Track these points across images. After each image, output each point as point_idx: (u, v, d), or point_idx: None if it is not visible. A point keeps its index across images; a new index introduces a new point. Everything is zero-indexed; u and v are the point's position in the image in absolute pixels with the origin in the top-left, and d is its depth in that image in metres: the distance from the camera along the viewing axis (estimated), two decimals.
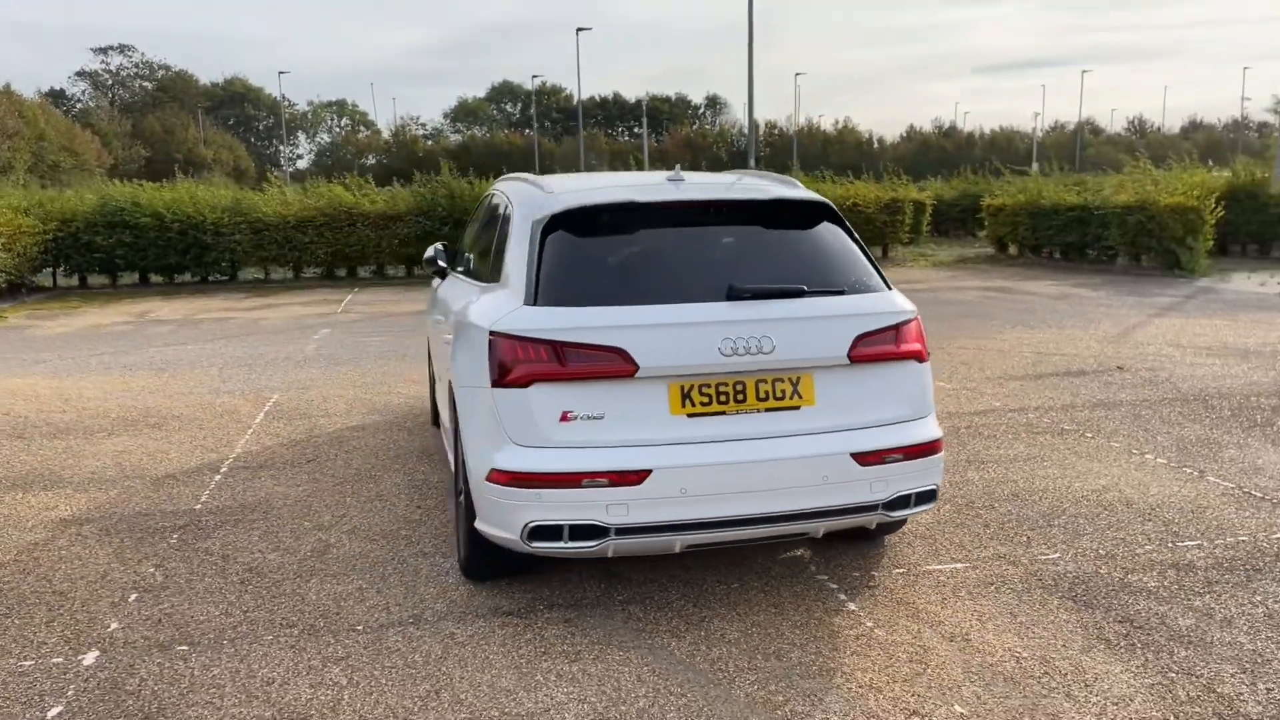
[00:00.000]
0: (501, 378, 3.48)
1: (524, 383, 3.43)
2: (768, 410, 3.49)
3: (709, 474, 3.37)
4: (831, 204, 3.98)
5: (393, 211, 18.37)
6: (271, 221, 17.60)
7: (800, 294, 3.59)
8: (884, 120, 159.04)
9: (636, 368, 3.38)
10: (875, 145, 75.81)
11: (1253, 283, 14.77)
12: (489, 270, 4.30)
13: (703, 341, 3.42)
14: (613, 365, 3.39)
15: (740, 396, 3.48)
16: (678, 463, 3.35)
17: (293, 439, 6.47)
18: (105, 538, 4.66)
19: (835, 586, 3.94)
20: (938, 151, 72.24)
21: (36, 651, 3.52)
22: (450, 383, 4.28)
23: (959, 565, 4.12)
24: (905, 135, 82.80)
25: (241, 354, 9.93)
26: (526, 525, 3.39)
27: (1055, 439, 6.09)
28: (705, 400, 3.45)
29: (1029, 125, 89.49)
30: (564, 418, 3.41)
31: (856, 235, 3.99)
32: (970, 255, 21.45)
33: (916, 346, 3.72)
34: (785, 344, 3.48)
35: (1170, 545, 4.29)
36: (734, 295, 3.53)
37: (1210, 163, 28.82)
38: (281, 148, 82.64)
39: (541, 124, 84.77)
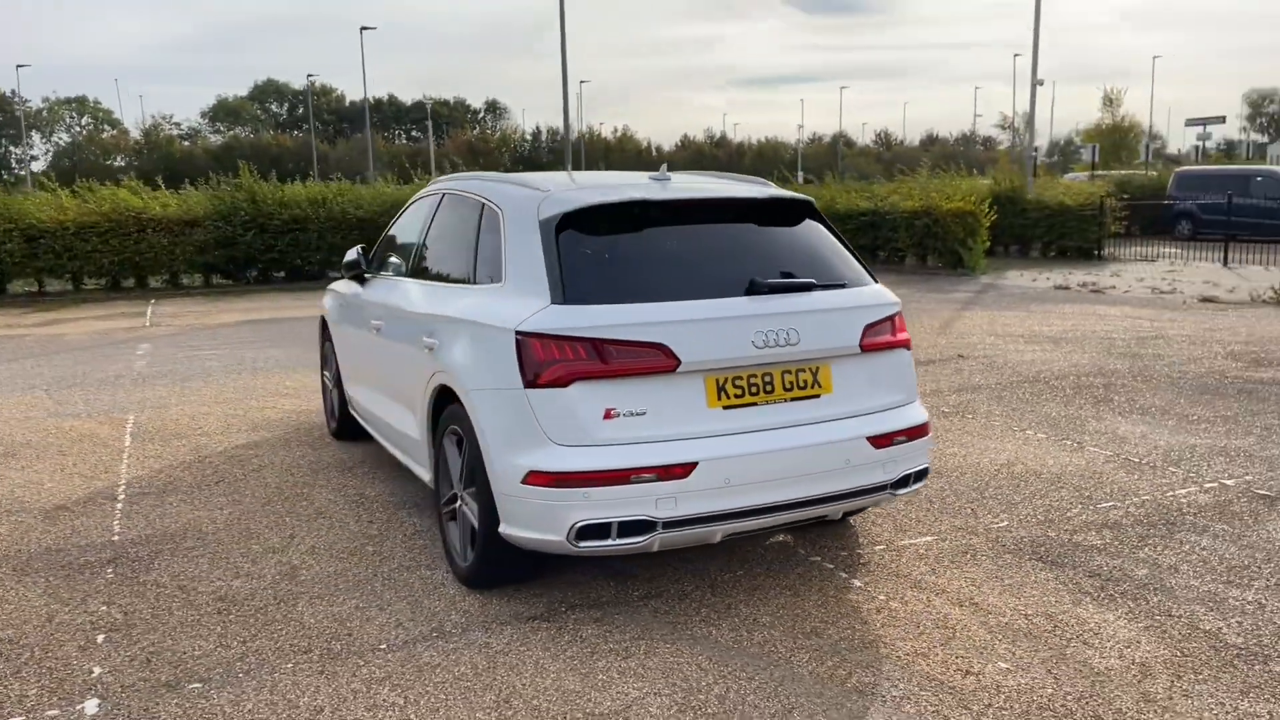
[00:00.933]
0: (536, 378, 3.43)
1: (564, 382, 3.40)
2: (793, 400, 3.64)
3: (749, 464, 3.48)
4: (815, 202, 4.19)
5: (188, 216, 17.09)
6: (47, 229, 15.90)
7: (811, 288, 3.77)
8: (658, 129, 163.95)
9: (678, 362, 3.44)
10: (654, 153, 77.95)
11: (1026, 279, 16.48)
12: (470, 271, 4.19)
13: (738, 335, 3.53)
14: (654, 361, 3.43)
15: (769, 387, 3.61)
16: (721, 454, 3.44)
17: (182, 461, 5.97)
18: (24, 577, 4.16)
19: (832, 566, 4.15)
20: (711, 160, 75.31)
21: (21, 707, 3.12)
22: (429, 389, 4.14)
23: (928, 539, 4.44)
24: (680, 144, 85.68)
25: (61, 374, 8.99)
26: (574, 525, 3.36)
27: (944, 421, 6.62)
28: (739, 392, 3.56)
29: (791, 136, 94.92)
30: (607, 415, 3.41)
31: (838, 231, 4.23)
32: None
33: (905, 335, 4.00)
34: (809, 336, 3.65)
35: (1092, 508, 4.81)
36: (754, 290, 3.65)
37: (974, 171, 31.74)
38: (13, 148, 74.42)
39: (313, 125, 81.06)
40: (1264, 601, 3.70)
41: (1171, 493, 5.01)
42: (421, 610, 3.78)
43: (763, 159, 77.52)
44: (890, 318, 3.92)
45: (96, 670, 3.35)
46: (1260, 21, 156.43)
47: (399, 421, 4.74)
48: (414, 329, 4.43)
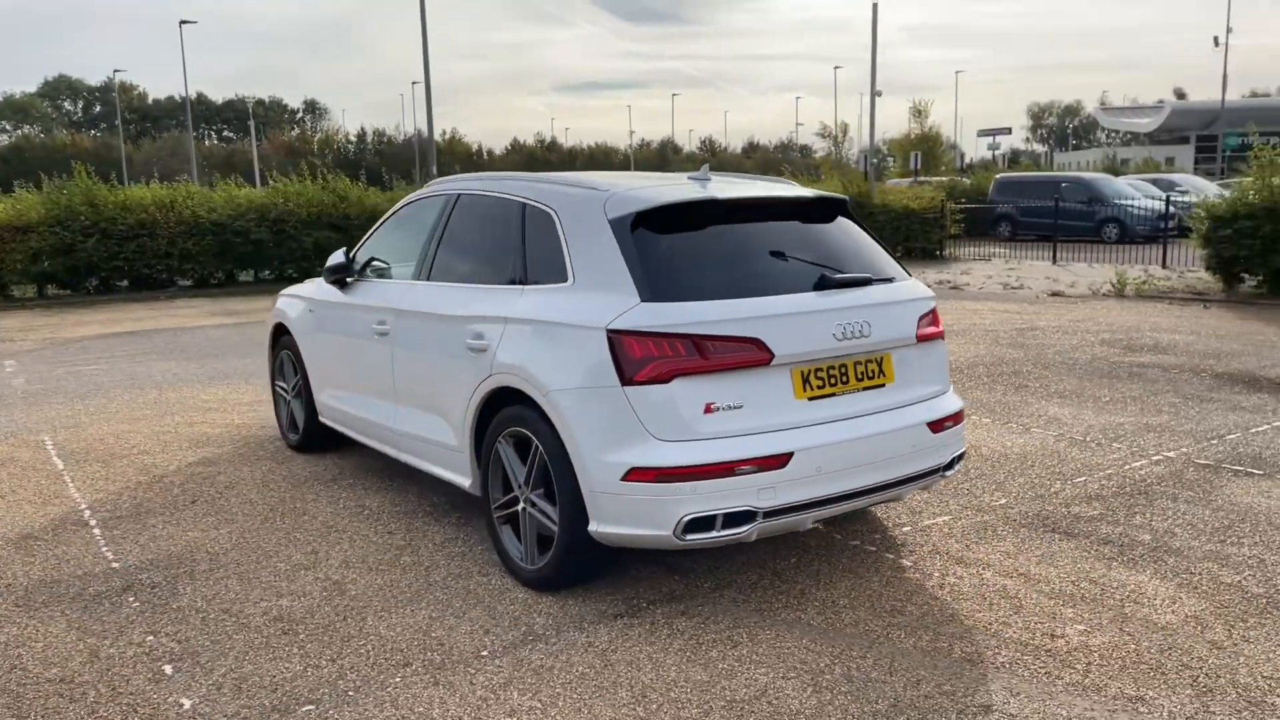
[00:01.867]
0: (634, 375, 3.46)
1: (665, 378, 3.45)
2: (864, 389, 3.82)
3: (836, 452, 3.63)
4: (849, 201, 4.39)
5: (20, 222, 15.72)
6: None
7: (870, 282, 3.96)
8: (485, 132, 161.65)
9: (772, 356, 3.55)
10: (485, 156, 77.17)
11: None
12: (517, 271, 4.14)
13: (821, 328, 3.67)
14: (750, 355, 3.52)
15: (845, 378, 3.77)
16: (812, 443, 3.57)
17: (137, 481, 5.57)
18: (34, 612, 3.82)
19: (874, 549, 4.36)
20: (543, 164, 75.27)
21: None
22: (478, 393, 4.07)
23: (945, 518, 4.73)
24: (510, 148, 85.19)
25: None
26: (682, 519, 3.41)
27: None
28: (820, 383, 3.70)
29: (618, 141, 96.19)
30: (707, 409, 3.48)
31: (868, 228, 4.44)
32: None
33: (942, 327, 4.26)
34: (878, 328, 3.84)
35: (1070, 482, 5.24)
36: (823, 285, 3.81)
37: (800, 177, 33.11)
38: None
39: (112, 124, 75.63)
40: (1263, 557, 4.17)
41: (1128, 466, 5.52)
42: (500, 616, 3.72)
43: (595, 163, 78.23)
44: (933, 310, 4.17)
45: (187, 703, 3.14)
46: (1039, 41, 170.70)
47: (423, 428, 4.61)
48: (449, 332, 4.33)
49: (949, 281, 16.22)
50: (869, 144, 26.96)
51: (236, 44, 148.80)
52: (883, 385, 3.89)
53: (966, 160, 63.26)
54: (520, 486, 3.96)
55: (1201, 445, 5.91)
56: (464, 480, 4.37)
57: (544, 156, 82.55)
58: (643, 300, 3.55)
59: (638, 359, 3.47)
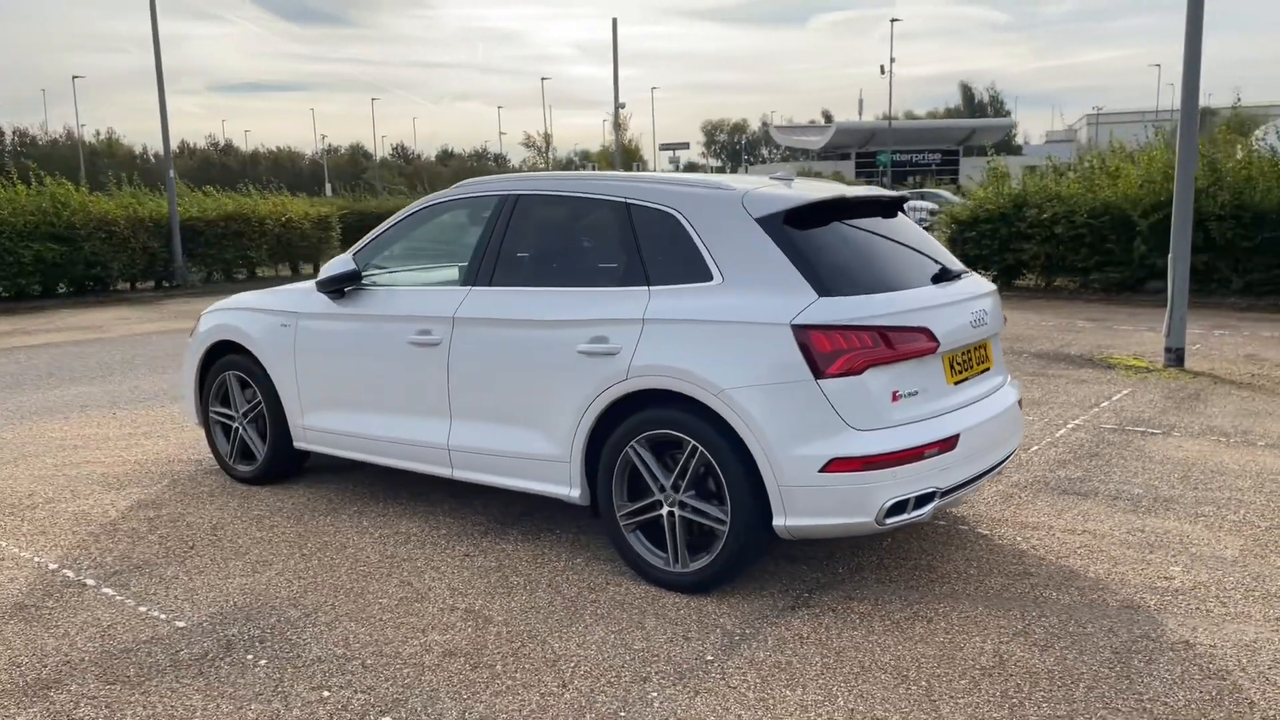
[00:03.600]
0: (827, 368, 3.56)
1: (858, 370, 3.57)
2: (980, 373, 4.15)
3: (981, 431, 3.93)
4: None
5: None
6: None
7: (964, 275, 4.30)
8: (142, 133, 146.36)
9: (938, 345, 3.78)
10: (152, 159, 70.18)
11: None
12: (635, 272, 4.04)
13: (963, 317, 3.96)
14: (922, 345, 3.73)
15: (970, 364, 4.08)
16: (969, 424, 3.85)
17: (91, 531, 4.75)
18: (139, 686, 3.23)
19: (943, 524, 4.71)
20: (222, 169, 69.83)
21: None
22: (600, 398, 3.95)
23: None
24: (180, 150, 78.09)
25: None
26: (885, 505, 3.55)
27: None
28: (960, 369, 3.98)
29: (304, 146, 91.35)
30: (894, 398, 3.65)
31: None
32: None
33: None
34: (991, 316, 4.20)
35: (1031, 451, 5.92)
36: (942, 278, 4.09)
37: None
38: None
39: None
40: (1240, 497, 5.00)
41: (1058, 434, 6.33)
42: (679, 622, 3.66)
43: (280, 168, 73.73)
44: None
45: None
46: (707, 62, 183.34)
47: (498, 442, 4.36)
48: (548, 338, 4.15)
49: None
50: (619, 155, 27.82)
51: None
52: (988, 369, 4.25)
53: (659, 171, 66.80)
54: (666, 490, 3.89)
55: (1091, 413, 6.89)
56: (566, 491, 4.20)
57: (220, 160, 76.68)
58: (820, 295, 3.65)
59: (828, 352, 3.57)
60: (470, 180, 5.00)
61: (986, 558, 4.26)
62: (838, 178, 49.86)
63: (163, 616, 3.79)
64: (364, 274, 4.95)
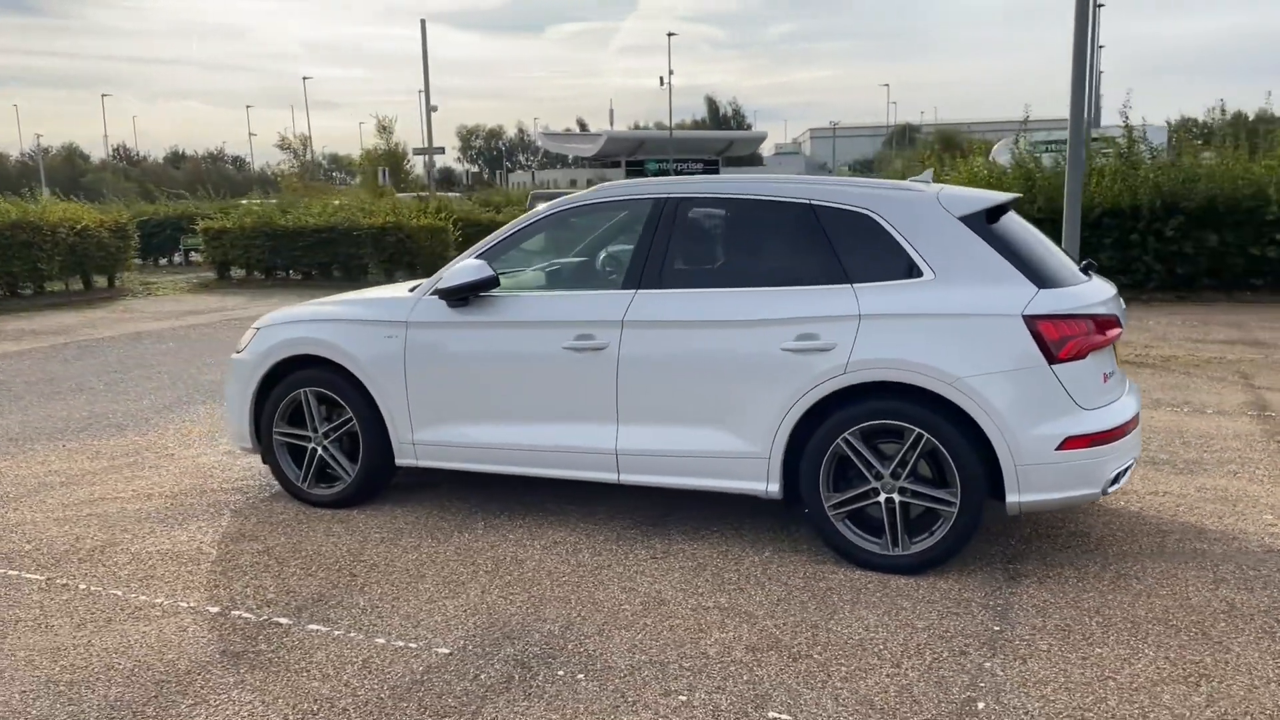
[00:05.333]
0: (1059, 354, 3.91)
1: (1083, 354, 3.95)
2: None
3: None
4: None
5: None
6: None
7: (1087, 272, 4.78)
8: None
9: (1121, 331, 4.22)
10: None
11: None
12: (833, 271, 4.19)
13: (1120, 309, 4.42)
14: (1116, 331, 4.14)
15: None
16: (1137, 407, 4.33)
17: (212, 570, 4.29)
18: (494, 705, 3.06)
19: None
20: None
21: None
22: (808, 394, 4.10)
23: None
24: None
25: None
26: (1109, 476, 3.96)
27: None
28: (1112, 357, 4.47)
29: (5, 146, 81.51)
30: (1104, 379, 4.06)
31: None
32: (199, 280, 20.53)
33: None
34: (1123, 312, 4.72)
35: None
36: (1086, 271, 4.54)
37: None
38: None
39: None
40: (1246, 455, 5.85)
41: None
42: (931, 601, 3.86)
43: None
44: None
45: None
46: (444, 67, 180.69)
47: (679, 443, 4.37)
48: (746, 337, 4.23)
49: None
50: (431, 161, 27.05)
51: None
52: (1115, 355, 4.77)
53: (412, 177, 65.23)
54: (884, 478, 4.10)
55: None
56: (761, 486, 4.30)
57: None
58: (1041, 288, 4.00)
59: (1057, 340, 3.92)
60: (609, 184, 4.95)
61: (1116, 523, 4.77)
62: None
63: (414, 645, 3.54)
64: (536, 282, 4.81)
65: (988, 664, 3.36)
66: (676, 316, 4.41)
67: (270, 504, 5.21)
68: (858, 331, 4.09)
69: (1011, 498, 3.96)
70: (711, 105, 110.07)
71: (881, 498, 4.12)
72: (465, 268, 4.73)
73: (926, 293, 4.10)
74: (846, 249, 4.26)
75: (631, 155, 66.71)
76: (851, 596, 3.92)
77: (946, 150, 22.54)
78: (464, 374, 4.79)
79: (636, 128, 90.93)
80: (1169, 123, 26.98)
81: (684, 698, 3.15)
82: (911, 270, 4.15)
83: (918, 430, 4.01)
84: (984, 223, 4.18)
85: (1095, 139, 17.42)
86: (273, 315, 5.37)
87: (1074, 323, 3.98)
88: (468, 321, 4.77)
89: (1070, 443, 3.92)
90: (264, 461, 5.36)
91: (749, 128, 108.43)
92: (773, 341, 4.20)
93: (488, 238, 5.00)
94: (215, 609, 3.89)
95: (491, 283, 4.70)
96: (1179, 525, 4.69)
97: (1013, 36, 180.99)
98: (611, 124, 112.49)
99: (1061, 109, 10.18)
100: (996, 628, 3.63)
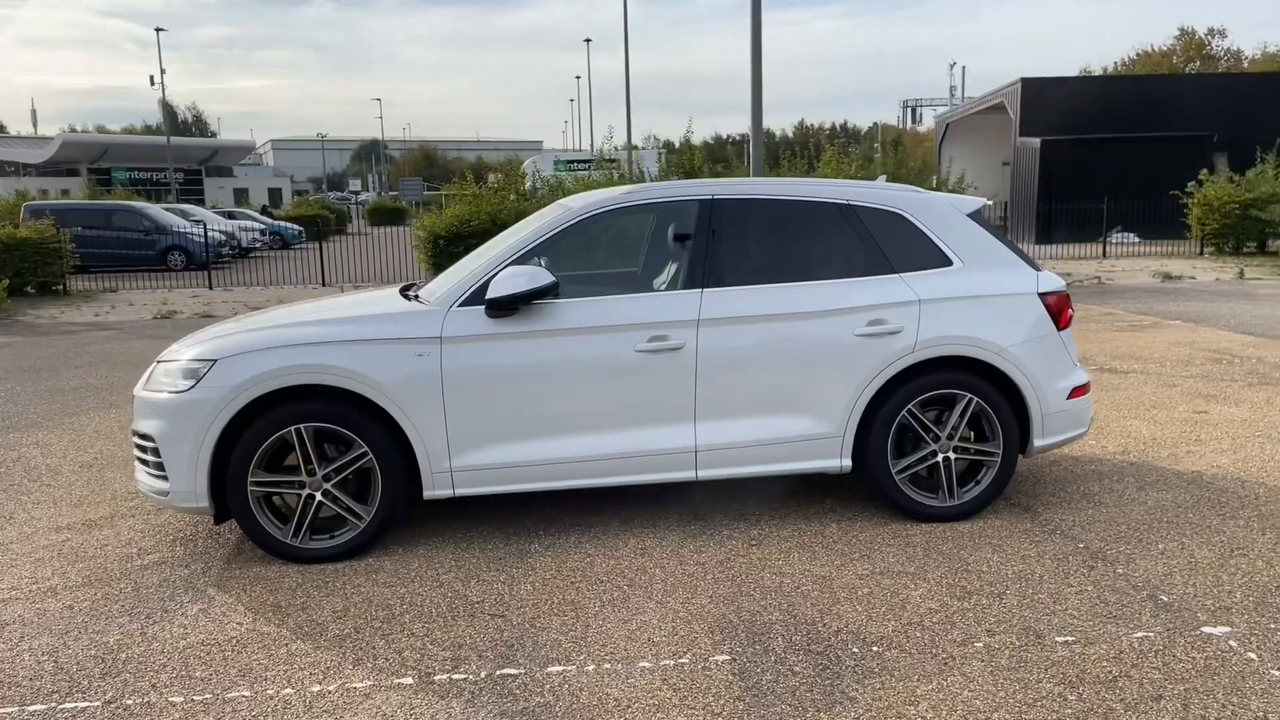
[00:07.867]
0: (1060, 323, 4.84)
1: (1070, 323, 4.93)
2: None
3: None
4: None
5: None
6: None
7: None
8: None
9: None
10: None
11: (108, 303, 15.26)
12: (877, 263, 4.66)
13: None
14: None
15: None
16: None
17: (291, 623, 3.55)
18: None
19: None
20: None
21: None
22: (881, 373, 4.58)
23: None
24: None
25: None
26: (1092, 415, 4.99)
27: None
28: None
29: None
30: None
31: None
32: None
33: None
34: None
35: None
36: None
37: None
38: None
39: None
40: (1211, 371, 7.42)
41: None
42: (1004, 549, 4.56)
43: None
44: None
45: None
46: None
47: (761, 433, 4.55)
48: (820, 327, 4.56)
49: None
50: None
51: None
52: None
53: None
54: (940, 440, 4.71)
55: None
56: (836, 463, 4.66)
57: None
58: (1036, 271, 4.90)
59: (1058, 311, 4.86)
60: (643, 186, 4.91)
61: (1170, 476, 5.65)
62: (95, 194, 43.81)
63: (684, 661, 3.36)
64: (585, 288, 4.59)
65: (1100, 565, 4.14)
66: (750, 312, 4.57)
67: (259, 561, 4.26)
68: (920, 314, 4.64)
69: (1037, 441, 4.82)
70: (168, 109, 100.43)
71: (939, 458, 4.73)
72: (520, 275, 4.36)
73: (961, 278, 4.78)
74: (887, 243, 4.78)
75: (94, 162, 58.39)
76: (952, 551, 4.42)
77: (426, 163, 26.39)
78: (518, 388, 4.42)
79: (123, 131, 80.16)
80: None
81: (980, 645, 3.47)
82: (943, 260, 4.80)
83: (968, 395, 4.69)
84: (981, 219, 4.98)
85: (609, 160, 22.35)
86: (231, 342, 4.38)
87: (1063, 298, 4.95)
88: (519, 332, 4.41)
89: (1075, 392, 4.90)
90: (217, 522, 4.38)
91: (214, 134, 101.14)
92: (845, 329, 4.59)
93: (510, 243, 4.66)
94: (410, 680, 3.26)
95: (552, 289, 4.40)
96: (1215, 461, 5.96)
97: (462, 60, 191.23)
98: (35, 126, 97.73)
99: (509, 133, 11.73)
100: (1081, 544, 4.44)
